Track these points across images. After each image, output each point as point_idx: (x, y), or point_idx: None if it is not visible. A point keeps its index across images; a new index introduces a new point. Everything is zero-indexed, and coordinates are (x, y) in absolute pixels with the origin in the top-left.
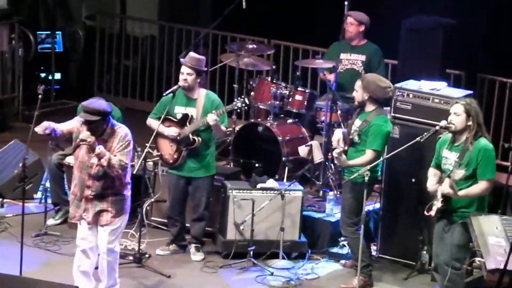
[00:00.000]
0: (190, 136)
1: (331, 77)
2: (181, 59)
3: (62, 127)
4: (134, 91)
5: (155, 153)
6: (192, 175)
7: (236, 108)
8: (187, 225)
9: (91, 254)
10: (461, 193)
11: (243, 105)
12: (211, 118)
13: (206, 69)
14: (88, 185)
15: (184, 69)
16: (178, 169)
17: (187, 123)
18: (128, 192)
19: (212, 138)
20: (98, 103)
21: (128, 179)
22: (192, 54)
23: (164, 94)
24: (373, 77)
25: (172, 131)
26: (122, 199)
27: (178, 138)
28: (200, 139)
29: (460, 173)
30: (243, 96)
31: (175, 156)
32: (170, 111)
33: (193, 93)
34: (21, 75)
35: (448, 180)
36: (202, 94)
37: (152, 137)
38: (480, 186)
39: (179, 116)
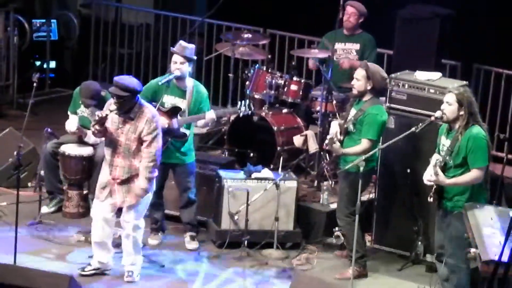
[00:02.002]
0: (181, 129)
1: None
2: (172, 49)
3: None
4: None
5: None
6: (177, 161)
7: (239, 112)
8: (173, 213)
9: (106, 226)
10: (449, 181)
11: (248, 112)
12: (210, 117)
13: (194, 58)
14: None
15: (177, 58)
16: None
17: (178, 116)
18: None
19: (191, 124)
20: (129, 80)
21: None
22: (183, 43)
23: (160, 83)
24: (376, 67)
25: (161, 121)
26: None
27: (166, 128)
28: (189, 132)
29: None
30: (248, 102)
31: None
32: (157, 98)
33: (183, 82)
34: (16, 63)
35: (432, 167)
36: (190, 85)
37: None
38: (470, 175)
39: (167, 105)
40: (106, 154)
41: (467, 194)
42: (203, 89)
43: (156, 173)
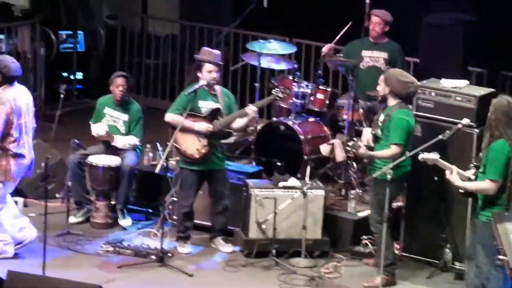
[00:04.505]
0: (223, 129)
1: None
2: (206, 58)
3: None
4: (155, 90)
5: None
6: (214, 167)
7: (277, 98)
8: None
9: None
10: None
11: (284, 94)
12: (252, 110)
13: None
14: None
15: (211, 67)
16: (199, 165)
17: (217, 117)
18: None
19: None
20: None
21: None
22: (213, 51)
23: (186, 93)
24: (395, 71)
25: (204, 125)
26: None
27: (211, 131)
28: (231, 130)
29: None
30: (280, 88)
31: (204, 151)
32: (194, 106)
33: (212, 88)
34: (43, 75)
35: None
36: (218, 89)
37: (175, 133)
38: (482, 185)
39: (204, 110)
40: None
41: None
42: (230, 93)
43: None
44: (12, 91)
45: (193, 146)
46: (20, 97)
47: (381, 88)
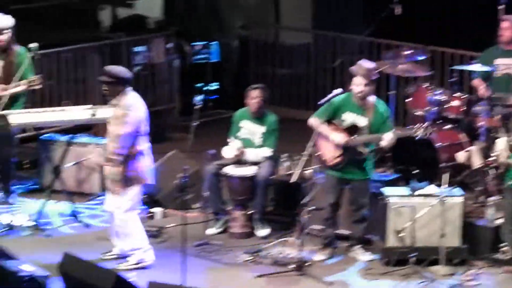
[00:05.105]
0: (360, 148)
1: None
2: (352, 70)
3: None
4: (289, 100)
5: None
6: (352, 177)
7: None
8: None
9: None
10: None
11: (426, 135)
12: (389, 137)
13: (377, 76)
14: None
15: (357, 80)
16: (337, 172)
17: (356, 135)
18: None
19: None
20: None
21: None
22: (366, 64)
23: (320, 102)
24: None
25: (340, 138)
26: None
27: (345, 146)
28: (367, 151)
29: None
30: (426, 125)
31: (336, 161)
32: (337, 116)
33: (364, 100)
34: (177, 86)
35: None
36: (371, 103)
37: (313, 139)
38: None
39: (345, 123)
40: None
41: None
42: (384, 109)
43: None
44: (132, 98)
45: (329, 153)
46: (140, 103)
47: None
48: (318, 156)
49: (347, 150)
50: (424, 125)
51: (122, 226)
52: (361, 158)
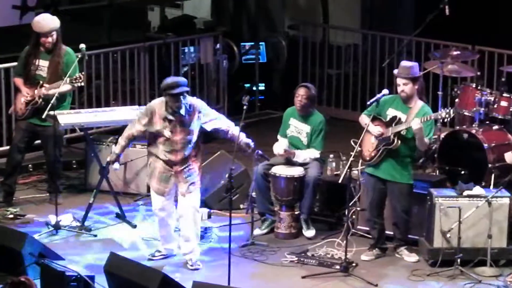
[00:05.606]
0: (391, 136)
1: None
2: (394, 71)
3: None
4: (337, 100)
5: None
6: (388, 178)
7: (439, 117)
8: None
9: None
10: None
11: (447, 116)
12: (415, 123)
13: (420, 74)
14: None
15: (399, 81)
16: (375, 170)
17: (393, 125)
18: None
19: (415, 147)
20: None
21: None
22: (403, 63)
23: (368, 102)
24: None
25: (376, 129)
26: None
27: (380, 136)
28: (399, 141)
29: None
30: (449, 108)
31: (373, 154)
32: (382, 111)
33: (410, 101)
34: (226, 86)
35: None
36: (418, 105)
37: (359, 141)
38: None
39: (389, 117)
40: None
41: None
42: (429, 110)
43: None
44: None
45: (367, 147)
46: None
47: None
48: (359, 152)
49: (381, 140)
50: (448, 109)
51: (193, 226)
52: (403, 159)
